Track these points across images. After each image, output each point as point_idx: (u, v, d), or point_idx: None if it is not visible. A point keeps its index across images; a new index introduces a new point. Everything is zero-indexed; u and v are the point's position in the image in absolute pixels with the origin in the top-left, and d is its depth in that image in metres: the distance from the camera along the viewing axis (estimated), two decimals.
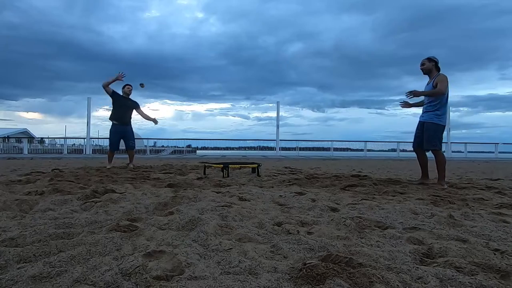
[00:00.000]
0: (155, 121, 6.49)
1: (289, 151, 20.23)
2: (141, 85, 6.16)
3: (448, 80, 3.57)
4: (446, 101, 3.65)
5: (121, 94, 6.18)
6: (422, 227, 1.69)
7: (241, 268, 1.11)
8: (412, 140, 3.97)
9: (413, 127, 3.96)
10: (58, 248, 1.26)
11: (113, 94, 6.02)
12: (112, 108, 6.12)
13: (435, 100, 3.64)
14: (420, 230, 1.65)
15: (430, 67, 3.70)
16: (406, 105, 3.96)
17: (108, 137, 6.29)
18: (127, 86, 6.29)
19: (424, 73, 3.79)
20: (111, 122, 6.11)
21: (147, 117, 6.40)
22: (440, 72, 3.69)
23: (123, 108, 6.12)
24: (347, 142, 21.65)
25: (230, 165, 4.70)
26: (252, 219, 1.80)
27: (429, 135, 3.65)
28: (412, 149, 4.06)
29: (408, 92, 3.67)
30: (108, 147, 6.36)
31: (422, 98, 3.88)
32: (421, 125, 3.78)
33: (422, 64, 3.74)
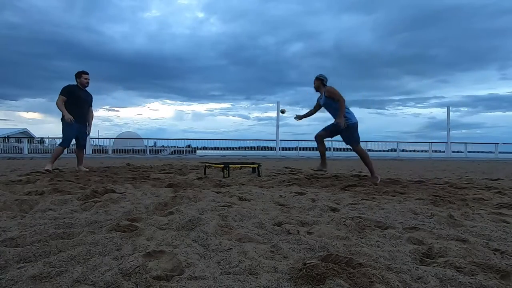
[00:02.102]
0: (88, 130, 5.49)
1: (289, 151, 20.27)
2: (282, 111, 5.38)
3: (337, 88, 4.14)
4: (344, 102, 4.13)
5: (76, 85, 5.09)
6: (422, 227, 1.69)
7: (241, 268, 1.11)
8: (324, 129, 4.36)
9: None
10: (58, 248, 1.26)
11: (70, 95, 5.01)
12: (68, 104, 5.01)
13: (338, 106, 4.13)
14: (420, 230, 1.65)
15: (319, 84, 4.35)
16: (298, 118, 4.69)
17: (63, 132, 5.07)
18: (84, 76, 5.10)
19: (316, 91, 4.45)
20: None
21: (90, 121, 5.44)
22: (326, 85, 4.29)
23: (82, 104, 5.14)
24: None
25: (230, 165, 4.70)
26: (252, 219, 1.80)
27: (351, 133, 4.19)
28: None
29: (343, 125, 4.07)
30: (58, 144, 5.14)
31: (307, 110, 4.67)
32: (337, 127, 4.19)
33: (314, 83, 4.40)
